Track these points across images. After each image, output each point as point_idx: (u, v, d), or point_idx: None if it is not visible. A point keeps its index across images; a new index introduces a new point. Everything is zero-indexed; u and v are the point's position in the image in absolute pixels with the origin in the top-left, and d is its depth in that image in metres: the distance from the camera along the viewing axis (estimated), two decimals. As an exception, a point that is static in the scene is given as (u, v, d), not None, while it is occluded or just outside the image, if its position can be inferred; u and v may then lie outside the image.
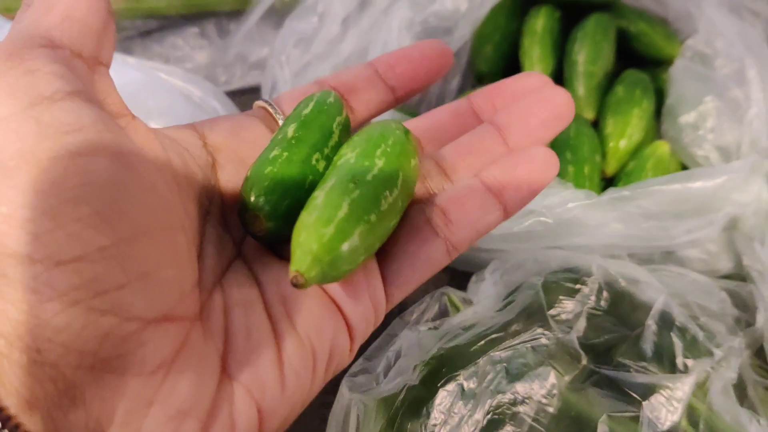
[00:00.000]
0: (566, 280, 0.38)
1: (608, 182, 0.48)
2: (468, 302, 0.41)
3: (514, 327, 0.36)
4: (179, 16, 0.57)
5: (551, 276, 0.39)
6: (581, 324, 0.37)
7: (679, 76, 0.49)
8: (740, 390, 0.41)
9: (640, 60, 0.54)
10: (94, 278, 0.18)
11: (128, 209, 0.19)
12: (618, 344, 0.38)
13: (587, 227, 0.41)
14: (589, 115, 0.48)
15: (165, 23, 0.57)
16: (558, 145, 0.46)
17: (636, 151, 0.47)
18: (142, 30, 0.56)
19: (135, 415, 0.19)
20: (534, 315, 0.37)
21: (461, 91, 0.55)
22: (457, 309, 0.40)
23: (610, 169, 0.46)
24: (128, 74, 0.43)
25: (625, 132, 0.46)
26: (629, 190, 0.39)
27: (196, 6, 0.56)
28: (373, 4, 0.49)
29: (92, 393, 0.18)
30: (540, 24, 0.51)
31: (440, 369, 0.34)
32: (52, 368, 0.17)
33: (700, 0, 0.51)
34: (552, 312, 0.37)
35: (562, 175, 0.45)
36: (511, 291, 0.39)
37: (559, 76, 0.51)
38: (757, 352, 0.43)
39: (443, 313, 0.40)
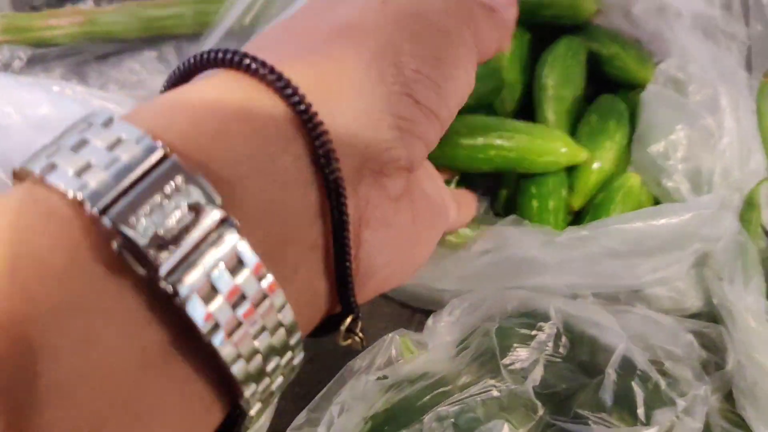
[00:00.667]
0: (522, 325, 0.36)
1: (576, 215, 0.46)
2: (423, 346, 0.39)
3: (465, 378, 0.35)
4: (137, 40, 0.55)
5: (506, 321, 0.37)
6: (537, 372, 0.35)
7: (651, 102, 0.47)
8: (707, 441, 0.39)
9: (613, 84, 0.52)
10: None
11: None
12: (577, 393, 0.36)
13: (548, 266, 0.39)
14: None
15: (122, 47, 0.55)
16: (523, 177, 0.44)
17: (606, 184, 0.45)
18: (98, 54, 0.55)
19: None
20: (487, 363, 0.35)
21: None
22: (411, 353, 0.39)
23: (577, 203, 0.44)
24: (66, 108, 0.41)
25: (594, 165, 0.44)
26: (589, 230, 0.37)
27: (155, 29, 0.54)
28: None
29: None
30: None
31: (383, 427, 0.32)
32: None
33: (673, 22, 0.50)
34: (506, 361, 0.35)
35: (525, 209, 0.44)
36: (466, 336, 0.38)
37: (530, 99, 0.49)
38: (727, 395, 0.41)
39: (395, 359, 0.38)
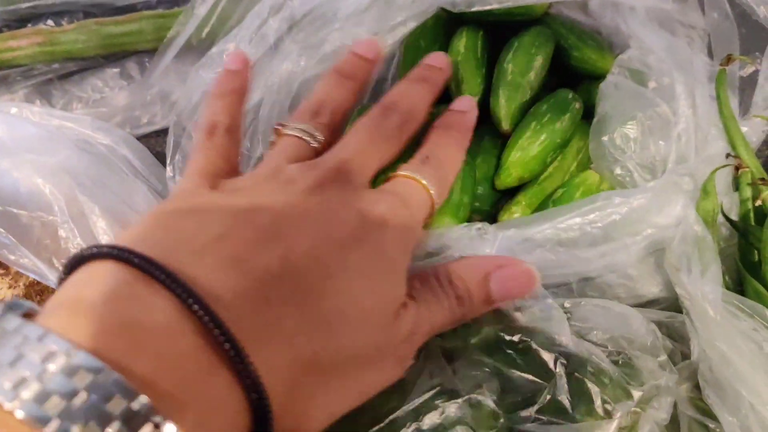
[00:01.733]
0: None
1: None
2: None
3: (422, 385, 0.34)
4: (99, 57, 0.55)
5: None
6: (494, 382, 0.35)
7: (608, 92, 0.47)
8: (674, 430, 0.39)
9: (577, 76, 0.52)
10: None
11: None
12: (535, 395, 0.36)
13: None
14: (506, 126, 0.46)
15: (85, 65, 0.55)
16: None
17: (566, 181, 0.45)
18: (61, 73, 0.55)
19: None
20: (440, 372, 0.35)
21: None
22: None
23: (500, 183, 0.45)
24: (24, 129, 0.42)
25: (519, 146, 0.45)
26: (535, 221, 0.37)
27: (115, 45, 0.55)
28: (282, 51, 0.48)
29: None
30: (462, 44, 0.49)
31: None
32: None
33: (629, 14, 0.49)
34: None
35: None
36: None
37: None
38: (697, 384, 0.41)
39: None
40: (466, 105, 0.40)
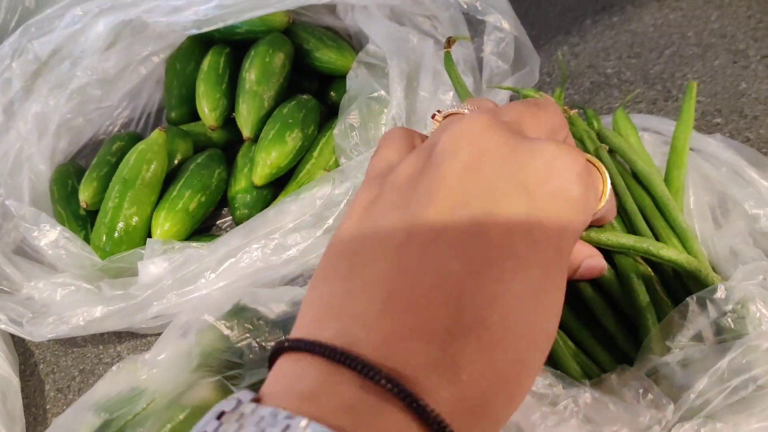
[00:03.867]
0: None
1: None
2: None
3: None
4: None
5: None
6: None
7: (349, 86, 0.50)
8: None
9: (328, 77, 0.55)
10: None
11: None
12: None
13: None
14: (247, 133, 0.49)
15: None
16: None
17: (291, 172, 0.48)
18: None
19: None
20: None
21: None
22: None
23: (256, 180, 0.48)
24: None
25: (264, 147, 0.48)
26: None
27: None
28: (33, 92, 0.49)
29: None
30: (206, 63, 0.52)
31: None
32: None
33: (362, 12, 0.53)
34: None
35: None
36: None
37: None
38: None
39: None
40: None
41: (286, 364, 0.22)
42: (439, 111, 0.29)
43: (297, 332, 0.23)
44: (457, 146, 0.24)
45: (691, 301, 0.28)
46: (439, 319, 0.21)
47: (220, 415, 0.19)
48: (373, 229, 0.24)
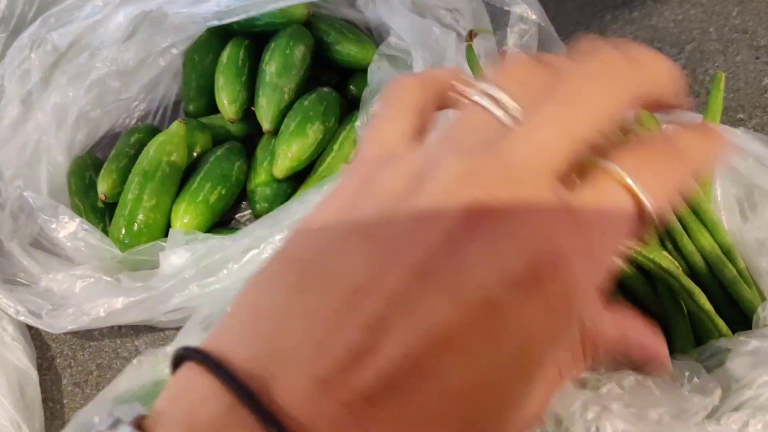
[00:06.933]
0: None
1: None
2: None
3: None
4: None
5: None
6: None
7: (371, 79, 0.50)
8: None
9: (348, 70, 0.55)
10: None
11: None
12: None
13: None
14: (267, 126, 0.49)
15: None
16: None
17: (312, 165, 0.47)
18: None
19: None
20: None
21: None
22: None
23: (277, 173, 0.48)
24: None
25: (285, 140, 0.47)
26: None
27: None
28: (51, 84, 0.49)
29: None
30: (225, 55, 0.51)
31: None
32: None
33: (384, 4, 0.52)
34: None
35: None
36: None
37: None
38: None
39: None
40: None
41: (190, 376, 0.19)
42: (465, 84, 0.22)
43: (213, 340, 0.19)
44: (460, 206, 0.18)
45: None
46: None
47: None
48: (344, 237, 0.19)
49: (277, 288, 0.19)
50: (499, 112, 0.20)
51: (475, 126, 0.20)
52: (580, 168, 0.20)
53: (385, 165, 0.20)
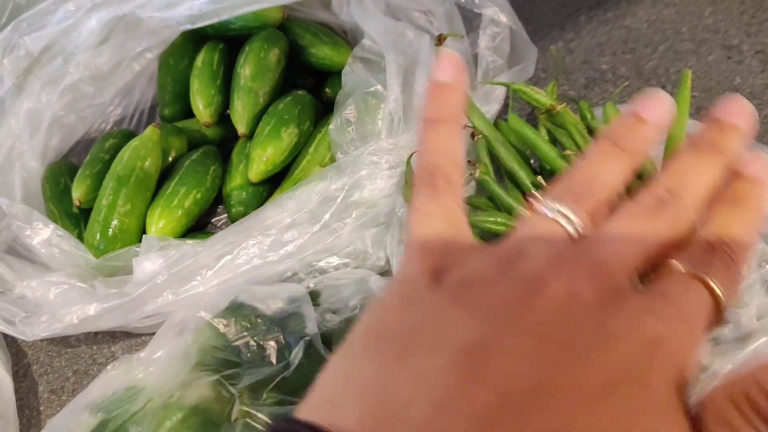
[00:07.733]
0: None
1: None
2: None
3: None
4: None
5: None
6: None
7: (345, 82, 0.50)
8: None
9: (324, 73, 0.55)
10: None
11: None
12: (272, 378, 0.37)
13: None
14: (242, 129, 0.49)
15: None
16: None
17: (287, 168, 0.47)
18: None
19: None
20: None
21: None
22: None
23: (252, 176, 0.48)
24: None
25: (260, 143, 0.47)
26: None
27: None
28: (25, 89, 0.49)
29: None
30: (200, 59, 0.51)
31: None
32: None
33: (357, 7, 0.52)
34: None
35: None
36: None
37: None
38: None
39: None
40: (761, 169, 0.24)
41: None
42: (536, 195, 0.23)
43: (310, 410, 0.19)
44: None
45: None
46: None
47: None
48: (435, 323, 0.20)
49: (376, 358, 0.19)
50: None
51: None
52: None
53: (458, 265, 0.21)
